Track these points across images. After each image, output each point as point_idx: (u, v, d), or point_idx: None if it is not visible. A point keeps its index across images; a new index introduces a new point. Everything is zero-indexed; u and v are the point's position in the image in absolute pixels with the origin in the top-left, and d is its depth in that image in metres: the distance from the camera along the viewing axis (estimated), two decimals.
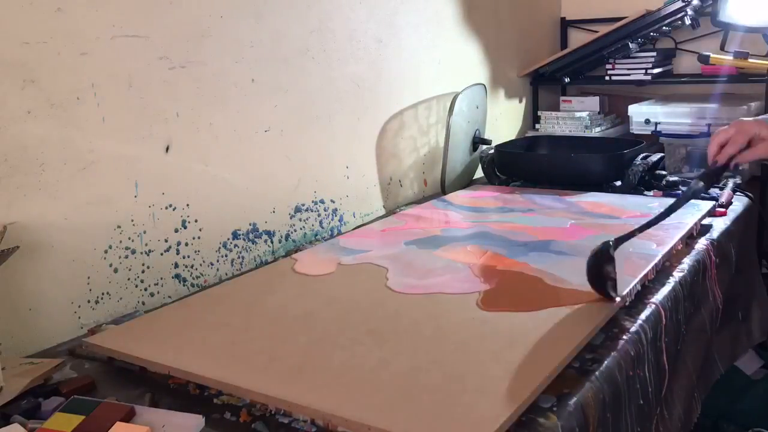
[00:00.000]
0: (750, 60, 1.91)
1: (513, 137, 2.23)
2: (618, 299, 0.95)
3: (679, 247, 1.23)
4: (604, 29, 2.12)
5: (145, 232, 1.15)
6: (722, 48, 2.03)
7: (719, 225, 1.39)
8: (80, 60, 1.03)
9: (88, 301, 1.07)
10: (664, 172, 1.65)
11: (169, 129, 1.17)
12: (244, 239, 1.32)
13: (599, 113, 2.18)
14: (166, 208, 1.18)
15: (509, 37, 2.20)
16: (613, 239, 0.98)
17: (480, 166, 1.86)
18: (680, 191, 1.59)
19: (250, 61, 1.30)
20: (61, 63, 1.01)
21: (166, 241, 1.18)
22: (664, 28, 2.07)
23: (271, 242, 1.38)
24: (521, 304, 0.96)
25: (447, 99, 1.86)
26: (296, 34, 1.40)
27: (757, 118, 1.20)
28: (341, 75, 1.52)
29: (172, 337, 0.92)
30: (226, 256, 1.29)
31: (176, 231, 1.20)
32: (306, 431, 0.74)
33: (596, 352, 0.87)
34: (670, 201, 1.47)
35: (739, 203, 1.54)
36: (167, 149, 1.17)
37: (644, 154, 1.66)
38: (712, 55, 1.96)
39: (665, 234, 1.23)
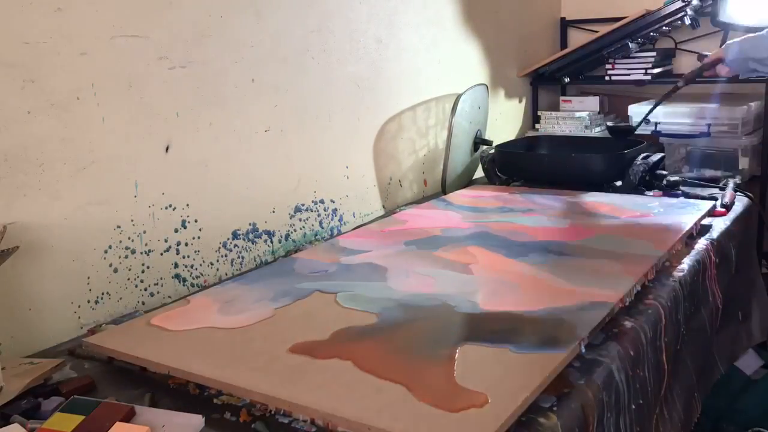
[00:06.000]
0: None
1: (513, 137, 2.23)
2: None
3: (679, 247, 1.23)
4: (604, 29, 2.12)
5: (145, 232, 1.15)
6: None
7: (719, 225, 1.39)
8: (80, 60, 1.03)
9: (88, 301, 1.08)
10: (664, 172, 1.65)
11: (169, 129, 1.17)
12: (243, 239, 1.32)
13: (599, 113, 2.19)
14: (166, 208, 1.18)
15: (509, 37, 2.20)
16: None
17: (480, 166, 1.86)
18: (680, 191, 1.59)
19: (250, 61, 1.30)
20: (61, 63, 1.01)
21: (165, 241, 1.18)
22: (663, 28, 2.07)
23: (271, 242, 1.38)
24: (521, 304, 0.96)
25: (446, 100, 1.86)
26: (296, 34, 1.40)
27: None
28: (341, 75, 1.52)
29: (172, 337, 0.92)
30: (225, 256, 1.29)
31: (176, 231, 1.20)
32: (306, 431, 0.74)
33: (596, 352, 0.87)
34: (671, 201, 1.48)
35: (739, 203, 1.54)
36: (167, 149, 1.17)
37: (645, 154, 1.66)
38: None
39: (665, 234, 1.23)
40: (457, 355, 0.82)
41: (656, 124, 1.95)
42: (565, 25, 2.46)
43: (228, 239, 1.29)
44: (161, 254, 1.18)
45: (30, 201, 0.99)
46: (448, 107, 1.81)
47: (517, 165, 1.79)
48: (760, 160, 1.89)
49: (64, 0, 1.00)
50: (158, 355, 0.87)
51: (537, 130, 2.24)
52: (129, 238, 1.12)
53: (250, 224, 1.33)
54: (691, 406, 1.16)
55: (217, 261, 1.28)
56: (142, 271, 1.15)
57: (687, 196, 1.57)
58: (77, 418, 0.74)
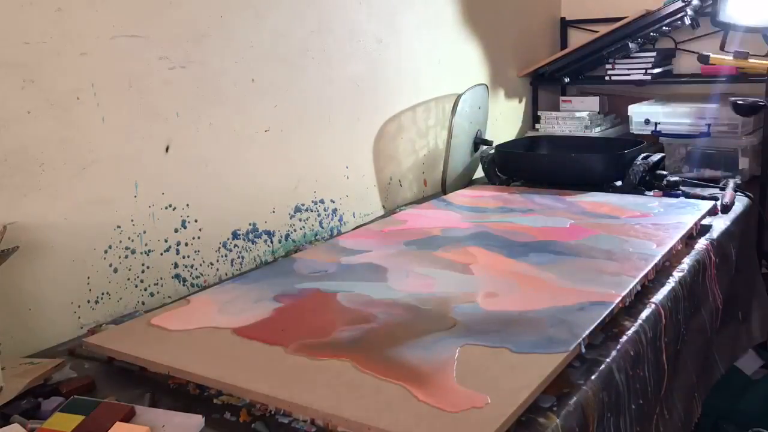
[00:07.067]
0: (750, 60, 1.91)
1: (513, 137, 2.23)
2: None
3: (679, 247, 1.23)
4: (604, 29, 2.12)
5: (144, 232, 1.15)
6: (722, 48, 2.03)
7: (719, 225, 1.39)
8: (80, 60, 1.03)
9: (88, 301, 1.07)
10: (664, 172, 1.65)
11: (169, 129, 1.17)
12: (243, 239, 1.32)
13: (599, 113, 2.19)
14: (166, 208, 1.18)
15: (509, 37, 2.20)
16: None
17: (480, 166, 1.86)
18: (680, 191, 1.59)
19: (250, 61, 1.30)
20: (61, 63, 1.01)
21: (165, 241, 1.18)
22: (664, 28, 2.07)
23: (271, 242, 1.38)
24: (521, 304, 0.96)
25: (446, 100, 1.86)
26: (296, 34, 1.40)
27: None
28: (341, 75, 1.52)
29: (172, 337, 0.92)
30: (225, 256, 1.29)
31: (176, 231, 1.20)
32: (306, 431, 0.74)
33: (596, 352, 0.87)
34: (671, 201, 1.48)
35: (739, 203, 1.54)
36: (167, 149, 1.17)
37: (645, 154, 1.66)
38: (712, 55, 1.96)
39: (665, 234, 1.23)
40: (457, 355, 0.82)
41: (656, 124, 1.95)
42: (565, 25, 2.46)
43: (228, 239, 1.29)
44: (161, 254, 1.18)
45: (30, 201, 0.99)
46: (448, 107, 1.81)
47: (517, 165, 1.79)
48: (760, 160, 1.89)
49: (64, 0, 1.00)
50: (158, 355, 0.87)
51: (537, 130, 2.24)
52: (129, 238, 1.12)
53: (250, 224, 1.34)
54: (691, 406, 1.16)
55: (217, 261, 1.28)
56: (142, 271, 1.15)
57: (687, 196, 1.57)
58: (77, 418, 0.74)
